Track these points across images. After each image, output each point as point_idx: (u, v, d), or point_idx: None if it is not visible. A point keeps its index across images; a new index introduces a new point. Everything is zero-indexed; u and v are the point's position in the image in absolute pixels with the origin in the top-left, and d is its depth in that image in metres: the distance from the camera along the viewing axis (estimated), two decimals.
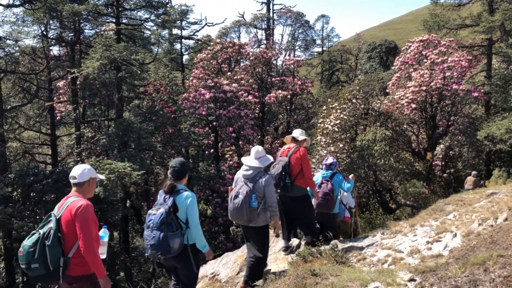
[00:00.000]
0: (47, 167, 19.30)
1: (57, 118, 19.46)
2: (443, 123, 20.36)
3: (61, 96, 20.82)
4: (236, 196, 5.31)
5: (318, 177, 7.22)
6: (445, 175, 20.11)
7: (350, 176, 7.64)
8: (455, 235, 5.84)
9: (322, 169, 7.52)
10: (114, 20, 17.34)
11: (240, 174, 5.55)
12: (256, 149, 5.61)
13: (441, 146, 20.83)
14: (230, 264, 7.29)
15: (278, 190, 6.18)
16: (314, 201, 6.84)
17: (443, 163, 20.61)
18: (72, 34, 17.64)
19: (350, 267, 5.03)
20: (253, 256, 5.50)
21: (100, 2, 17.17)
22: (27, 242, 3.68)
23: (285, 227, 6.73)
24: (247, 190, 5.24)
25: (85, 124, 19.04)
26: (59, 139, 20.47)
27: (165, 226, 4.24)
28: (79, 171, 3.99)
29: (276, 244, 7.53)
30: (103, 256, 4.03)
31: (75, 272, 3.73)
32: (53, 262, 3.64)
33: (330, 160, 7.41)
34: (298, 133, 6.77)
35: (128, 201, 17.74)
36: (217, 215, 18.02)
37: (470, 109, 21.30)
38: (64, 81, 19.99)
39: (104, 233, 4.17)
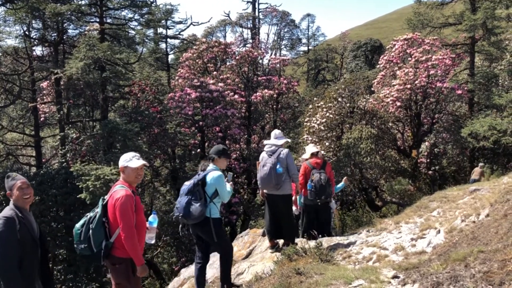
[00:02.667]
0: (31, 169, 19.05)
1: (41, 119, 19.23)
2: (427, 121, 20.58)
3: (44, 97, 20.54)
4: (264, 165, 6.41)
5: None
6: (430, 172, 20.34)
7: (343, 180, 8.67)
8: (439, 231, 5.91)
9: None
10: (98, 20, 17.17)
11: (264, 152, 6.63)
12: (275, 131, 6.80)
13: (426, 143, 21.05)
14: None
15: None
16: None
17: (428, 160, 20.84)
18: (55, 34, 17.42)
19: (335, 265, 5.06)
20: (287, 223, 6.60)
21: (83, 2, 17.02)
22: (77, 224, 4.08)
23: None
24: (272, 161, 6.32)
25: (70, 125, 18.81)
26: (43, 140, 20.22)
27: (191, 194, 5.04)
28: (121, 158, 4.32)
29: (262, 243, 7.55)
30: (152, 241, 4.37)
31: (118, 254, 4.01)
32: (96, 244, 3.96)
33: None
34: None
35: None
36: None
37: (454, 106, 21.57)
38: (48, 81, 19.73)
39: (153, 218, 4.40)
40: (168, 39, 28.82)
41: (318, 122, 18.28)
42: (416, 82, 19.22)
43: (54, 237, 14.39)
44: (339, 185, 8.86)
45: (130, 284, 4.12)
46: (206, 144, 19.16)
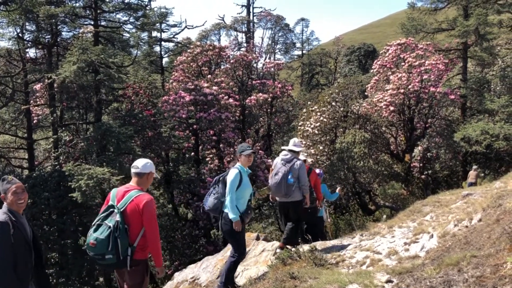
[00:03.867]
0: (23, 171, 18.92)
1: (34, 121, 19.10)
2: (420, 125, 20.70)
3: (38, 99, 20.42)
4: (276, 174, 6.52)
5: None
6: (423, 176, 20.45)
7: (337, 190, 8.93)
8: (432, 236, 5.94)
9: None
10: (92, 23, 17.13)
11: (279, 158, 6.68)
12: (294, 139, 6.94)
13: (419, 148, 21.17)
14: (210, 268, 7.27)
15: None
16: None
17: (421, 164, 20.96)
18: (49, 37, 17.35)
19: (329, 269, 5.07)
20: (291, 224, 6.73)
21: (78, 4, 16.96)
22: (99, 235, 3.96)
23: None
24: (285, 170, 6.43)
25: (63, 128, 18.73)
26: (36, 143, 20.09)
27: (213, 188, 5.53)
28: (142, 163, 4.32)
29: (256, 247, 7.54)
30: None
31: (137, 256, 4.10)
32: (123, 251, 3.98)
33: (317, 171, 8.04)
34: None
35: None
36: (198, 218, 17.93)
37: (447, 111, 21.73)
38: (41, 84, 19.63)
39: None
40: (163, 42, 28.80)
41: (312, 126, 18.34)
42: (410, 87, 19.34)
43: (47, 241, 14.29)
44: (334, 194, 8.97)
45: (145, 284, 4.25)
46: (200, 147, 19.14)
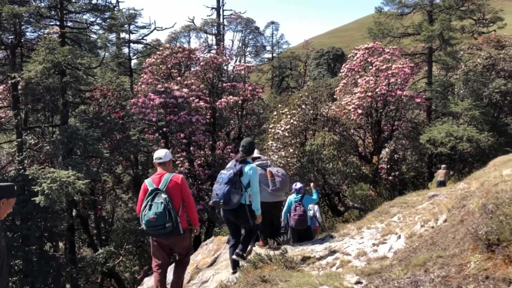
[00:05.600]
0: None
1: None
2: (387, 128, 21.13)
3: (0, 102, 19.78)
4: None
5: (290, 200, 8.30)
6: (390, 177, 20.86)
7: (312, 186, 9.16)
8: (399, 237, 6.07)
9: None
10: (58, 23, 16.72)
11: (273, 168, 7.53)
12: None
13: (386, 150, 21.59)
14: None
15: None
16: (291, 220, 8.16)
17: (388, 166, 21.38)
18: (12, 37, 16.80)
19: (300, 271, 5.11)
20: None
21: (42, 4, 16.50)
22: (157, 210, 4.81)
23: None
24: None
25: (28, 131, 18.18)
26: None
27: (231, 183, 5.59)
28: (163, 153, 5.23)
29: (227, 250, 7.51)
30: None
31: (183, 225, 5.00)
32: (175, 220, 4.86)
33: (299, 185, 8.44)
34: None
35: (74, 210, 17.08)
36: None
37: (413, 114, 22.26)
38: (4, 85, 19.00)
39: None
40: (131, 44, 28.30)
41: (282, 128, 18.44)
42: (377, 90, 19.72)
43: (10, 247, 13.83)
44: (314, 196, 9.11)
45: (190, 247, 5.41)
46: (170, 150, 18.93)
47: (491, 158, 13.41)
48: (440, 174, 17.23)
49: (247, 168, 5.74)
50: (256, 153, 7.24)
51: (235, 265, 6.01)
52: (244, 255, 5.94)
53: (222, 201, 5.57)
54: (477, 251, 3.26)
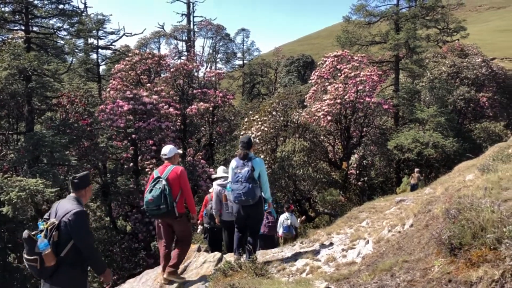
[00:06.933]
0: None
1: None
2: (356, 134, 21.48)
3: None
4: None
5: None
6: (359, 183, 21.19)
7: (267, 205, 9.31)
8: (368, 242, 6.17)
9: None
10: (23, 28, 16.30)
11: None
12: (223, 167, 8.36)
13: (355, 155, 21.93)
14: (150, 282, 7.07)
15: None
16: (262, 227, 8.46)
17: (357, 172, 21.72)
18: None
19: (269, 278, 5.11)
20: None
21: (6, 8, 16.07)
22: (154, 193, 5.51)
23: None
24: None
25: None
26: None
27: (251, 179, 5.99)
28: (168, 149, 5.94)
29: (197, 259, 7.45)
30: None
31: (179, 210, 5.62)
32: (170, 204, 5.49)
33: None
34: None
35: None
36: (137, 231, 17.43)
37: (381, 120, 22.72)
38: None
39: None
40: (100, 50, 27.89)
41: (253, 135, 18.48)
42: (346, 97, 20.04)
43: None
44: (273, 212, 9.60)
45: (189, 229, 6.04)
46: (139, 158, 18.66)
47: (456, 163, 13.80)
48: (413, 177, 17.65)
49: (256, 163, 6.14)
50: (221, 172, 8.01)
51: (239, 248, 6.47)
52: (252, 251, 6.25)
53: (250, 198, 5.95)
54: (441, 255, 3.35)
